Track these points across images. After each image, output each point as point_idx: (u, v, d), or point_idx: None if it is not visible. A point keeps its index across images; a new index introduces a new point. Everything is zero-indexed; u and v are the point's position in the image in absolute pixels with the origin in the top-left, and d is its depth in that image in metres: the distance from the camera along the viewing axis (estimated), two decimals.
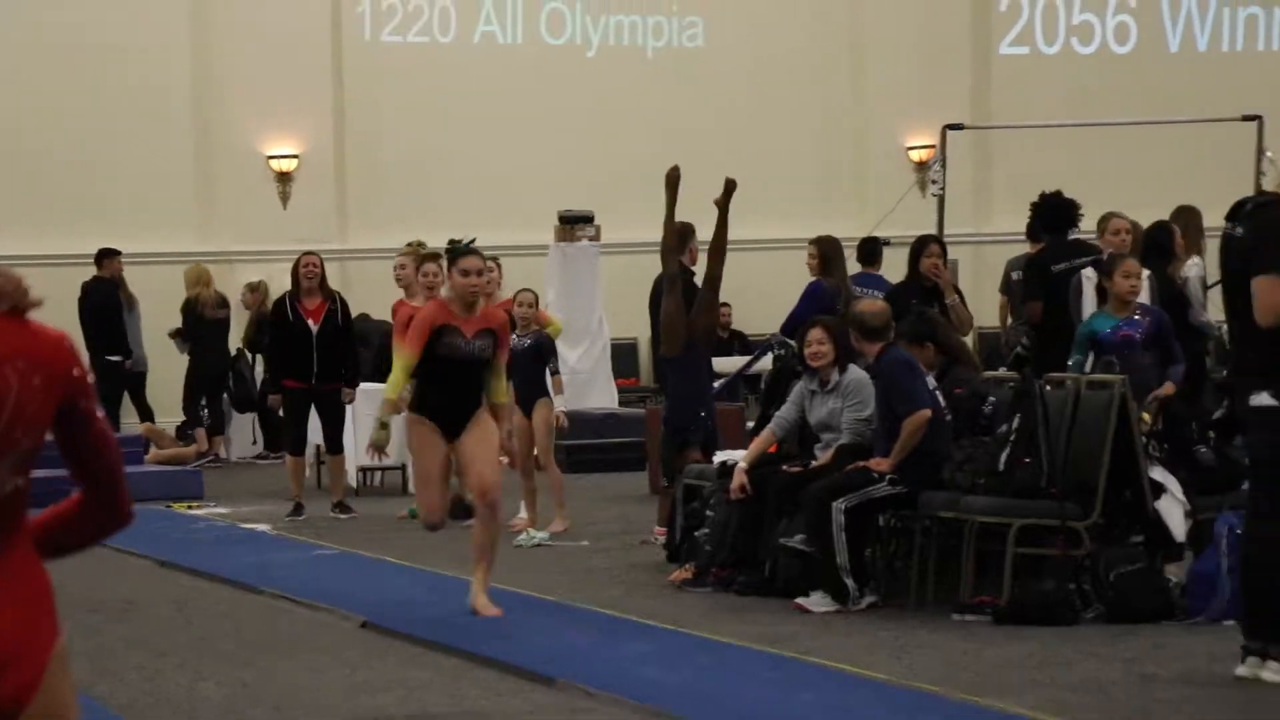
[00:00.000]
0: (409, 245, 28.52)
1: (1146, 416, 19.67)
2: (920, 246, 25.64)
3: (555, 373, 26.04)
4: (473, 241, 17.22)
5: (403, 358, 17.99)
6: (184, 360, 35.52)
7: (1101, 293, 22.09)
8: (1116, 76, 39.57)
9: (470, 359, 16.35)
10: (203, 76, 37.38)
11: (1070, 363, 21.36)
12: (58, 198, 35.46)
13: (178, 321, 35.21)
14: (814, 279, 26.93)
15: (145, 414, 35.00)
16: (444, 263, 25.01)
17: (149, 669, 16.52)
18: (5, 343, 5.00)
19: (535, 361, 25.20)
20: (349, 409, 28.05)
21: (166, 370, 35.59)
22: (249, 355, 34.91)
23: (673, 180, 24.03)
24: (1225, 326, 16.98)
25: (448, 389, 16.56)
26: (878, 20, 38.79)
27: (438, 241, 28.56)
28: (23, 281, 5.08)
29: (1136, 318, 21.18)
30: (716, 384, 26.51)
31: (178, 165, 37.07)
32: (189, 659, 17.24)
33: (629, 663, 16.62)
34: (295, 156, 37.38)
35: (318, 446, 28.76)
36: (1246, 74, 36.41)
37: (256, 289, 33.35)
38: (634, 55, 38.56)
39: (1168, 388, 20.37)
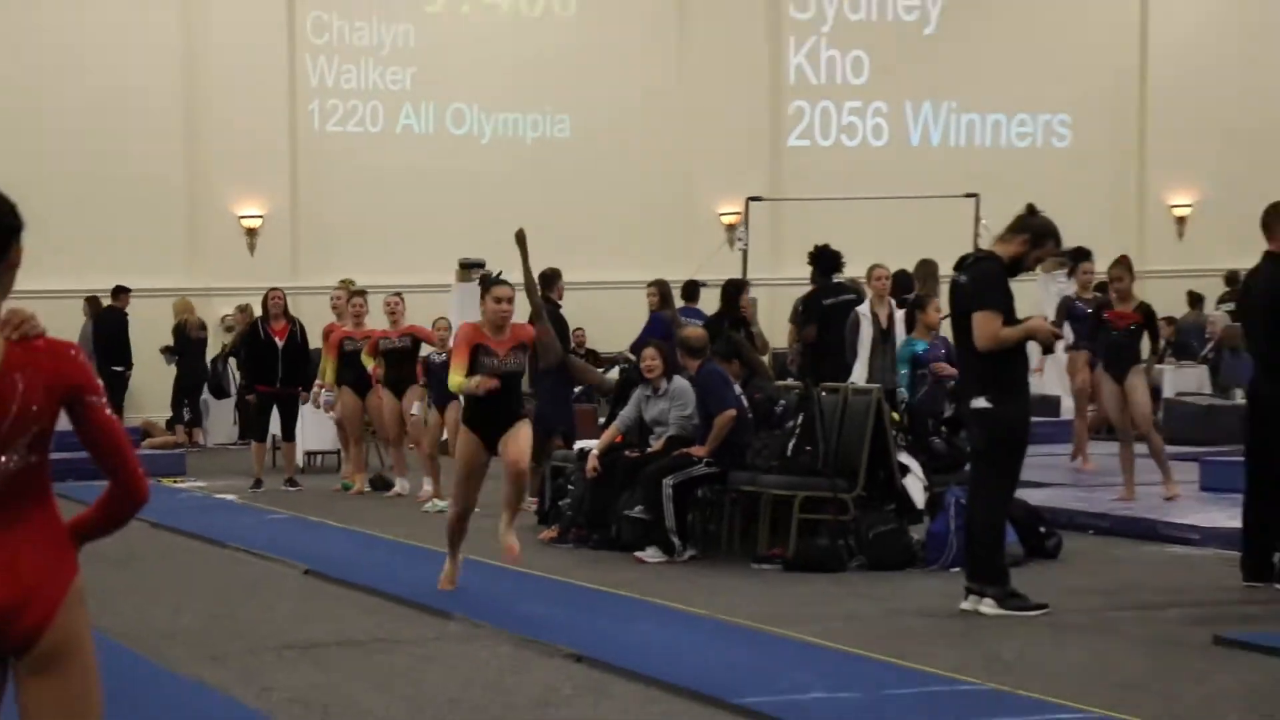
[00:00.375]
0: (341, 283, 28.64)
1: (895, 415, 19.94)
2: (735, 288, 25.61)
3: None
4: (500, 274, 16.34)
5: (455, 370, 16.79)
6: (171, 370, 35.58)
7: (910, 321, 22.31)
8: (874, 163, 39.53)
9: (505, 374, 15.46)
10: (192, 157, 37.19)
11: (899, 375, 21.79)
12: (77, 247, 35.21)
13: (168, 341, 35.27)
14: (654, 311, 26.94)
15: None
16: (368, 296, 25.35)
17: (141, 606, 16.58)
18: (15, 357, 5.38)
19: (446, 370, 24.91)
20: (301, 407, 28.05)
21: (157, 378, 35.60)
22: (225, 358, 34.90)
23: (520, 238, 23.81)
24: (954, 348, 17.21)
25: (489, 402, 15.53)
26: (700, 118, 38.61)
27: (366, 280, 28.77)
28: (25, 317, 5.46)
29: (938, 341, 21.53)
30: (576, 389, 26.47)
31: (172, 224, 36.94)
32: (172, 598, 17.36)
33: (509, 600, 16.75)
34: (260, 217, 37.23)
35: (274, 435, 28.69)
36: (967, 163, 36.33)
37: (244, 310, 33.16)
38: (517, 143, 38.29)
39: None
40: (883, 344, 23.08)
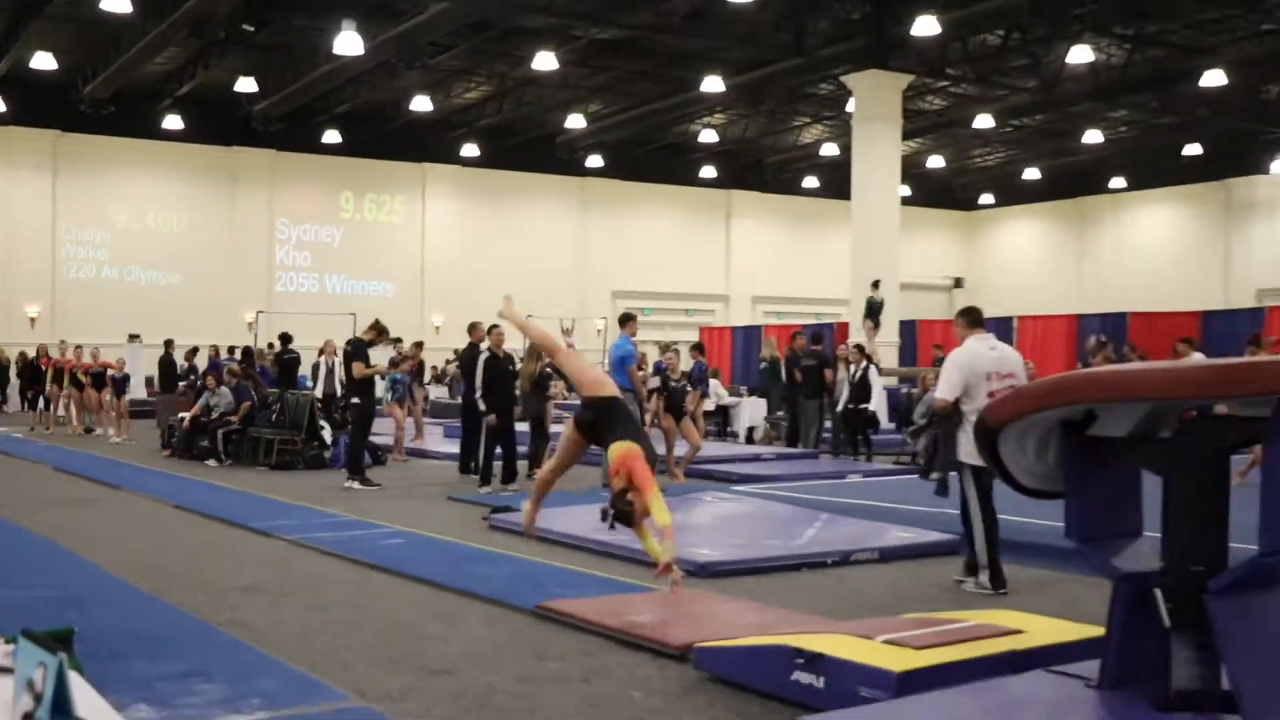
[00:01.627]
0: (62, 342, 27.76)
1: (320, 404, 19.74)
2: (248, 351, 25.10)
3: (124, 383, 25.13)
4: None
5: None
6: None
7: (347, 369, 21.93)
8: (314, 300, 37.88)
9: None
10: (5, 285, 35.23)
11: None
12: None
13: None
14: (212, 359, 25.94)
15: None
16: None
17: None
18: None
19: (125, 381, 24.12)
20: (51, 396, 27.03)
21: None
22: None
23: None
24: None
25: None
26: (240, 277, 37.20)
27: (80, 340, 27.50)
28: None
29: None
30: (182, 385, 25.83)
31: None
32: None
33: (148, 481, 16.15)
34: (38, 312, 35.06)
35: (40, 409, 27.51)
36: (352, 300, 35.21)
37: (26, 354, 30.94)
38: (155, 285, 36.45)
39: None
40: (328, 375, 21.70)
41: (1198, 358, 20.38)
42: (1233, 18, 26.50)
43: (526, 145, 39.22)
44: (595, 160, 40.27)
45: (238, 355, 24.55)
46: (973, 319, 9.03)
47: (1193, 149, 37.70)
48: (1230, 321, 26.70)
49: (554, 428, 18.74)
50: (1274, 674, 4.78)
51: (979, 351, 8.70)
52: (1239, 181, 39.72)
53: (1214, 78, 28.16)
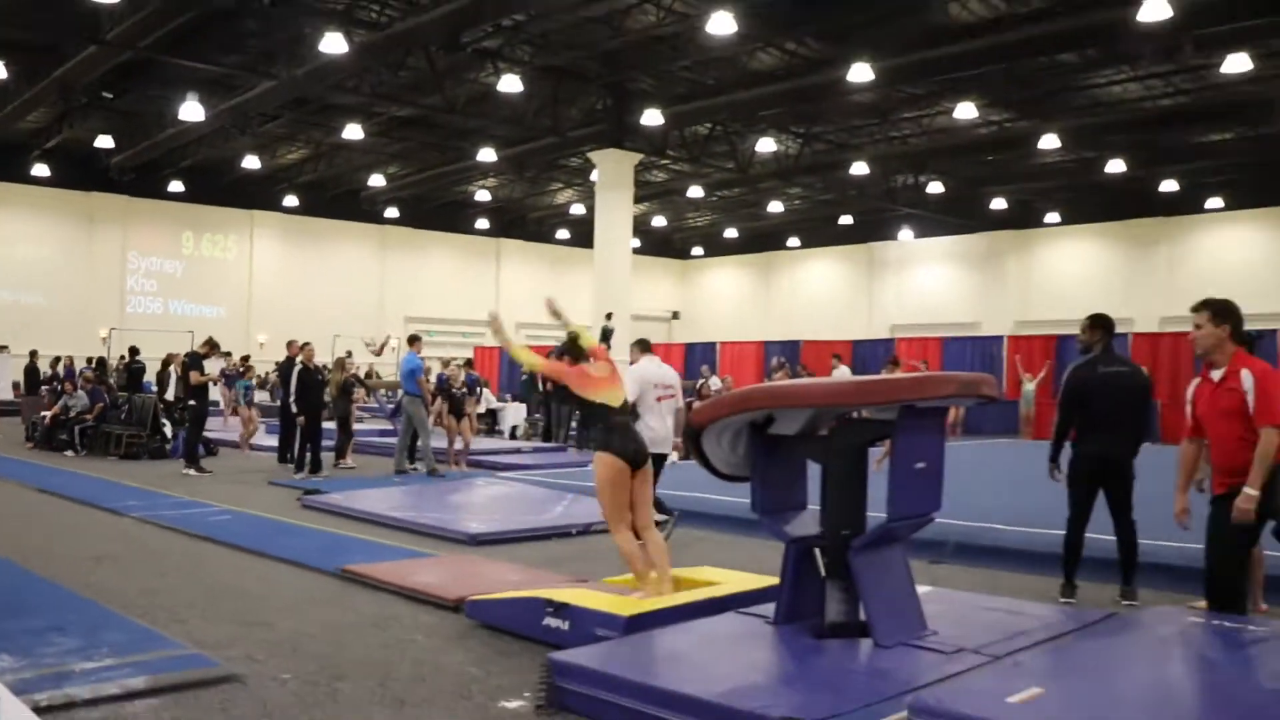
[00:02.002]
0: None
1: (164, 404, 18.66)
2: (101, 362, 23.53)
3: None
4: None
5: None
6: None
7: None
8: (164, 319, 35.71)
9: None
10: None
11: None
12: None
13: None
14: (67, 366, 24.37)
15: None
16: None
17: None
18: None
19: None
20: None
21: None
22: None
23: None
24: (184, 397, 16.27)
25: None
26: (99, 299, 34.32)
27: None
28: None
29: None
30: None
31: None
32: None
33: (13, 468, 14.90)
34: None
35: None
36: (196, 324, 33.52)
37: None
38: (35, 307, 33.21)
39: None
40: (178, 381, 19.91)
41: (844, 370, 21.40)
42: (870, 125, 28.34)
43: (337, 198, 38.38)
44: (392, 212, 39.71)
45: (93, 365, 23.05)
46: (644, 347, 9.63)
47: (846, 219, 39.75)
48: (872, 348, 28.58)
49: (356, 426, 18.32)
50: (894, 606, 5.27)
51: (649, 369, 9.33)
52: (878, 245, 41.96)
53: (859, 168, 30.19)
